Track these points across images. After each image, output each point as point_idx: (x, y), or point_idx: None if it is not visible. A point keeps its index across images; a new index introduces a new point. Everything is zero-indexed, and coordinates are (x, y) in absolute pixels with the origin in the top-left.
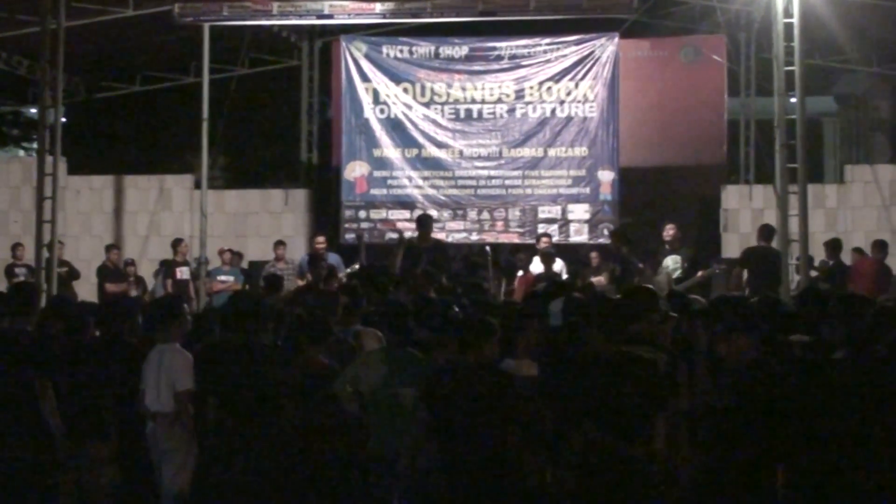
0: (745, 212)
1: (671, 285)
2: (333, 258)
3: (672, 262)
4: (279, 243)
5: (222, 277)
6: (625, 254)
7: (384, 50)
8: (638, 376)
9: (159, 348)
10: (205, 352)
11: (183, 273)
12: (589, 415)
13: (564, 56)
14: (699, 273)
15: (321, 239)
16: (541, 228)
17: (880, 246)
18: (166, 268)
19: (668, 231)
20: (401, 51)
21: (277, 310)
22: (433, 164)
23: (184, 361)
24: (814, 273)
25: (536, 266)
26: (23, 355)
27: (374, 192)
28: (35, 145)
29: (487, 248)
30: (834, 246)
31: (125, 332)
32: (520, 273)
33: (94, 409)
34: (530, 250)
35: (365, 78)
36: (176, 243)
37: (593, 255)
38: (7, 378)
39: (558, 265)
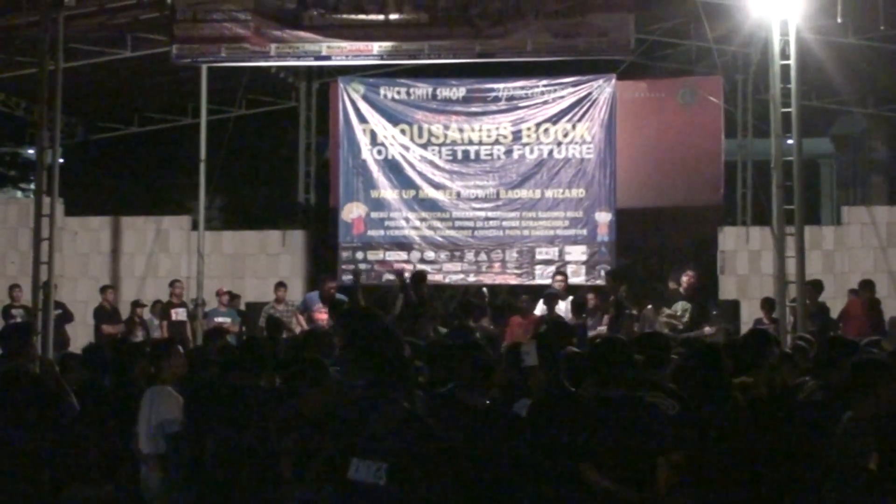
0: (742, 253)
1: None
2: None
3: (681, 308)
4: (280, 285)
5: (219, 319)
6: (620, 296)
7: (382, 91)
8: (638, 421)
9: (151, 390)
10: (203, 393)
11: (179, 314)
12: (587, 458)
13: (562, 97)
14: (706, 329)
15: (334, 284)
16: (538, 270)
17: (866, 286)
18: (161, 309)
19: (687, 278)
20: (398, 92)
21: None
22: (430, 205)
23: (173, 403)
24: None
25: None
26: (23, 397)
27: (372, 233)
28: (32, 186)
29: (484, 289)
30: (815, 287)
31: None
32: (516, 316)
33: (84, 451)
34: (531, 292)
35: (362, 119)
36: (172, 284)
37: (590, 296)
38: (4, 422)
39: (562, 307)
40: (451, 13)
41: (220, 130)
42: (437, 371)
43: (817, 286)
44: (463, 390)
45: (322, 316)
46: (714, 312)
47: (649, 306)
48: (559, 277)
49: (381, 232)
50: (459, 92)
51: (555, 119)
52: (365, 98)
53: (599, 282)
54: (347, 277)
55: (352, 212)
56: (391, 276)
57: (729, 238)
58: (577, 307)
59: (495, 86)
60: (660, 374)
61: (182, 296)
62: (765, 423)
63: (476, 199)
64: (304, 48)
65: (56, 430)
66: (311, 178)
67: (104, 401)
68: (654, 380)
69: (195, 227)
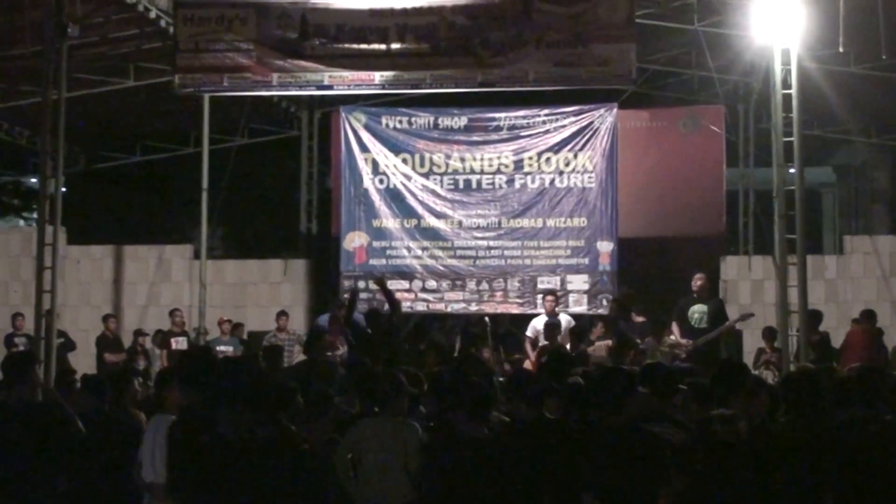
0: (744, 283)
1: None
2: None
3: (699, 312)
4: (281, 314)
5: (221, 347)
6: (622, 326)
7: (383, 120)
8: (640, 450)
9: (156, 418)
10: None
11: (179, 343)
12: (590, 488)
13: (563, 127)
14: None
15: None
16: (539, 299)
17: (868, 316)
18: (161, 338)
19: (697, 281)
20: (400, 121)
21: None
22: (432, 234)
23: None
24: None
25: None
26: (23, 427)
27: (374, 262)
28: (35, 215)
29: (486, 318)
30: (814, 317)
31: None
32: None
33: (87, 480)
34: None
35: (364, 148)
36: (172, 313)
37: (598, 325)
38: (7, 451)
39: (564, 319)
40: (453, 43)
41: (223, 159)
42: (440, 401)
43: (816, 316)
44: (462, 420)
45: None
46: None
47: (649, 337)
48: (549, 298)
49: (383, 261)
50: (461, 121)
51: (556, 148)
52: (367, 127)
53: (602, 311)
54: (346, 296)
55: (353, 241)
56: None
57: (731, 267)
58: (578, 335)
59: (497, 115)
60: (665, 404)
61: (182, 325)
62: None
63: (478, 228)
64: (306, 77)
65: (58, 458)
66: (313, 207)
67: (104, 429)
68: (660, 410)
69: (197, 255)
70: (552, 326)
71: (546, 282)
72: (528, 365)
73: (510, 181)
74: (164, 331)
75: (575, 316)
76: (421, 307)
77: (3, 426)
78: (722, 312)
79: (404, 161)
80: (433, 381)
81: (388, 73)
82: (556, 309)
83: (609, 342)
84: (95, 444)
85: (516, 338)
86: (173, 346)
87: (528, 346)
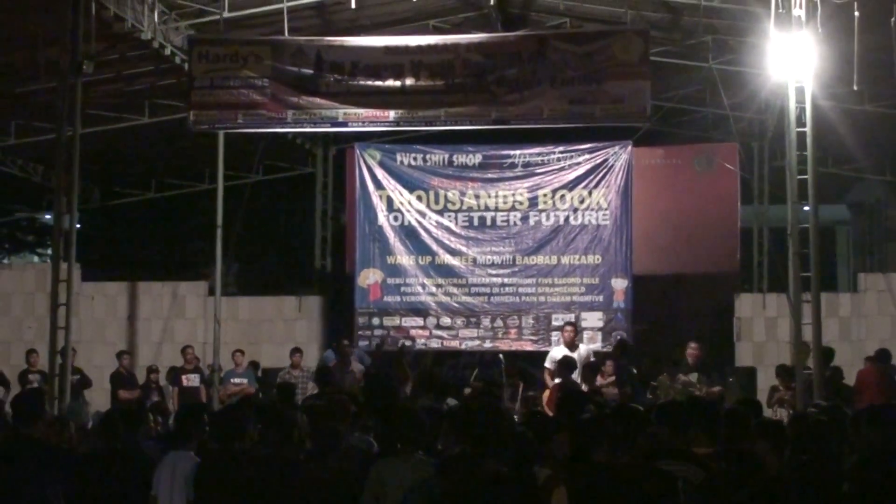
0: (758, 320)
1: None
2: (357, 367)
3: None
4: (295, 350)
5: (235, 380)
6: (624, 364)
7: (398, 157)
8: (650, 488)
9: (172, 454)
10: (214, 461)
11: (191, 380)
12: None
13: (578, 164)
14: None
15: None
16: (554, 336)
17: (881, 355)
18: (173, 375)
19: (691, 350)
20: (415, 158)
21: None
22: (447, 271)
23: (194, 469)
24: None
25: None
26: (35, 464)
27: (388, 299)
28: (49, 251)
29: (500, 355)
30: (825, 355)
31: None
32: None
33: None
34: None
35: (379, 185)
36: (184, 350)
37: (608, 363)
38: (19, 488)
39: (583, 350)
40: (468, 80)
41: (237, 196)
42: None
43: (828, 354)
44: (479, 454)
45: None
46: (730, 379)
47: (663, 374)
48: (568, 328)
49: (398, 298)
50: (476, 158)
51: (571, 185)
52: (381, 164)
53: None
54: (364, 343)
55: (368, 278)
56: (407, 342)
57: (745, 305)
58: (591, 373)
59: (511, 152)
60: (681, 441)
61: (195, 361)
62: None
63: (492, 265)
64: (321, 114)
65: (67, 495)
66: (328, 243)
67: (115, 466)
68: (677, 448)
69: (212, 292)
70: (565, 364)
71: (560, 319)
72: (546, 395)
73: (525, 218)
74: (177, 367)
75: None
76: (435, 344)
77: (13, 463)
78: (711, 385)
79: (419, 198)
80: (453, 417)
81: (403, 110)
82: (575, 341)
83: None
84: (106, 480)
85: (532, 375)
86: (185, 382)
87: (547, 377)
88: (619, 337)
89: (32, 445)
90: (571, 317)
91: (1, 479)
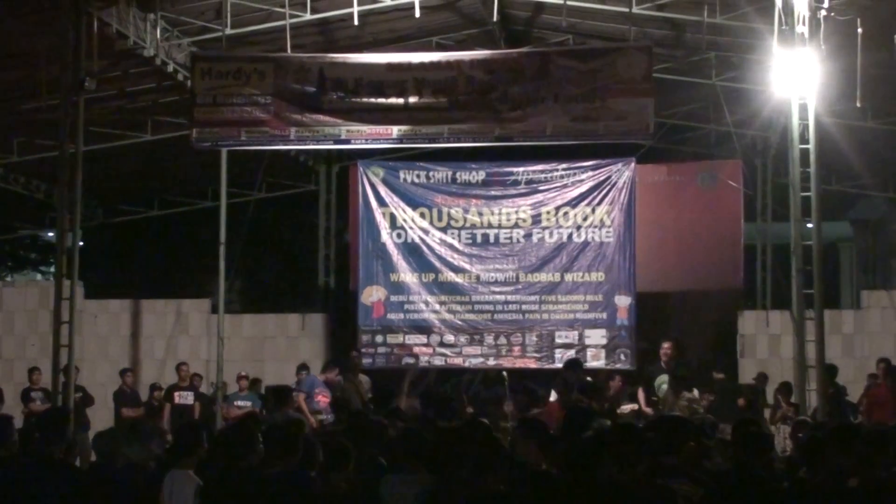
0: (761, 337)
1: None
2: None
3: (661, 382)
4: (303, 367)
5: (239, 402)
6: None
7: (401, 174)
8: None
9: (172, 474)
10: (220, 479)
11: (184, 398)
12: None
13: (581, 181)
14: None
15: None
16: (557, 354)
17: (888, 371)
18: (165, 392)
19: (664, 349)
20: (418, 175)
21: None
22: (450, 288)
23: (195, 489)
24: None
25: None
26: (55, 486)
27: (391, 316)
28: (52, 269)
29: (504, 373)
30: (828, 371)
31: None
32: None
33: None
34: (548, 376)
35: (382, 202)
36: (179, 367)
37: (614, 380)
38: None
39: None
40: (471, 97)
41: (240, 213)
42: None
43: (831, 370)
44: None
45: (323, 398)
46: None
47: (668, 390)
48: (666, 345)
49: (401, 315)
50: (479, 175)
51: (574, 202)
52: (384, 181)
53: (619, 365)
54: (368, 361)
55: (371, 295)
56: (410, 360)
57: (749, 322)
58: (597, 392)
59: (515, 169)
60: (680, 458)
61: (188, 378)
62: None
63: (495, 282)
64: (324, 132)
65: None
66: (331, 260)
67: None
68: (675, 465)
69: (215, 310)
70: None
71: (564, 336)
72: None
73: (528, 235)
74: (171, 385)
75: (591, 371)
76: (439, 361)
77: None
78: (681, 385)
79: (422, 215)
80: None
81: (406, 128)
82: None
83: (634, 406)
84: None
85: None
86: (177, 399)
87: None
88: (625, 354)
89: (56, 467)
90: (574, 335)
91: (24, 500)
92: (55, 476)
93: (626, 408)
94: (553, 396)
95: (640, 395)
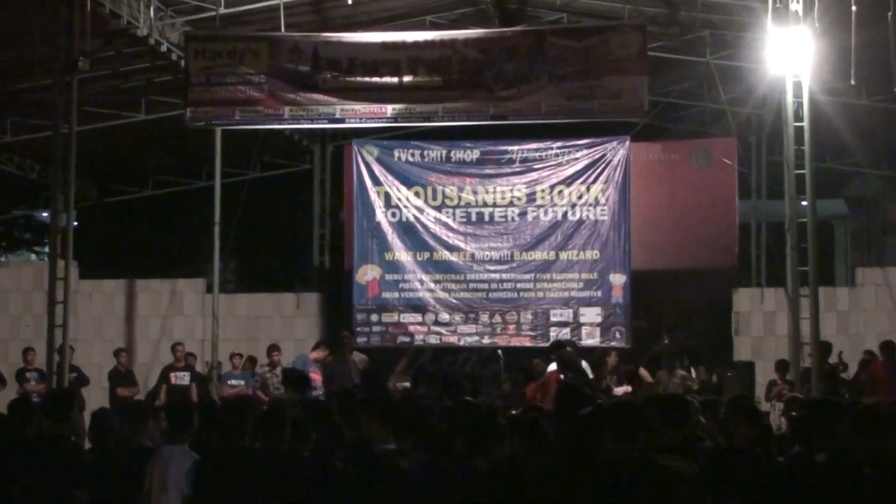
0: (756, 315)
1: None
2: (362, 359)
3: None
4: (273, 347)
5: (232, 381)
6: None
7: (396, 153)
8: (649, 483)
9: (168, 448)
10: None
11: (180, 378)
12: None
13: (576, 159)
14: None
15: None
16: (552, 332)
17: (888, 347)
18: (162, 373)
19: (609, 358)
20: (412, 154)
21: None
22: (445, 267)
23: (191, 464)
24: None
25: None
26: (62, 465)
27: (386, 295)
28: (47, 249)
29: (499, 351)
30: (822, 349)
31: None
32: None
33: None
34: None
35: (376, 181)
36: (174, 347)
37: (612, 355)
38: (46, 488)
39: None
40: (465, 76)
41: (235, 193)
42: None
43: (825, 348)
44: (468, 451)
45: (315, 377)
46: (728, 374)
47: (662, 370)
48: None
49: (396, 294)
50: (473, 154)
51: (569, 181)
52: (379, 160)
53: (614, 343)
54: (362, 340)
55: (366, 274)
56: (405, 339)
57: (743, 299)
58: (595, 366)
59: (509, 148)
60: (676, 435)
61: (183, 359)
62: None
63: (490, 261)
64: (318, 111)
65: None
66: (326, 240)
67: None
68: (670, 442)
69: (210, 289)
70: (569, 361)
71: (559, 314)
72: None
73: (523, 214)
74: (168, 365)
75: (587, 349)
76: (434, 340)
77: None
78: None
79: (417, 194)
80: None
81: (401, 106)
82: None
83: (628, 388)
84: (101, 478)
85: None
86: (173, 380)
87: None
88: (620, 332)
89: (60, 442)
90: (569, 313)
91: (29, 474)
92: (65, 455)
93: (620, 390)
94: (552, 366)
95: (643, 372)
